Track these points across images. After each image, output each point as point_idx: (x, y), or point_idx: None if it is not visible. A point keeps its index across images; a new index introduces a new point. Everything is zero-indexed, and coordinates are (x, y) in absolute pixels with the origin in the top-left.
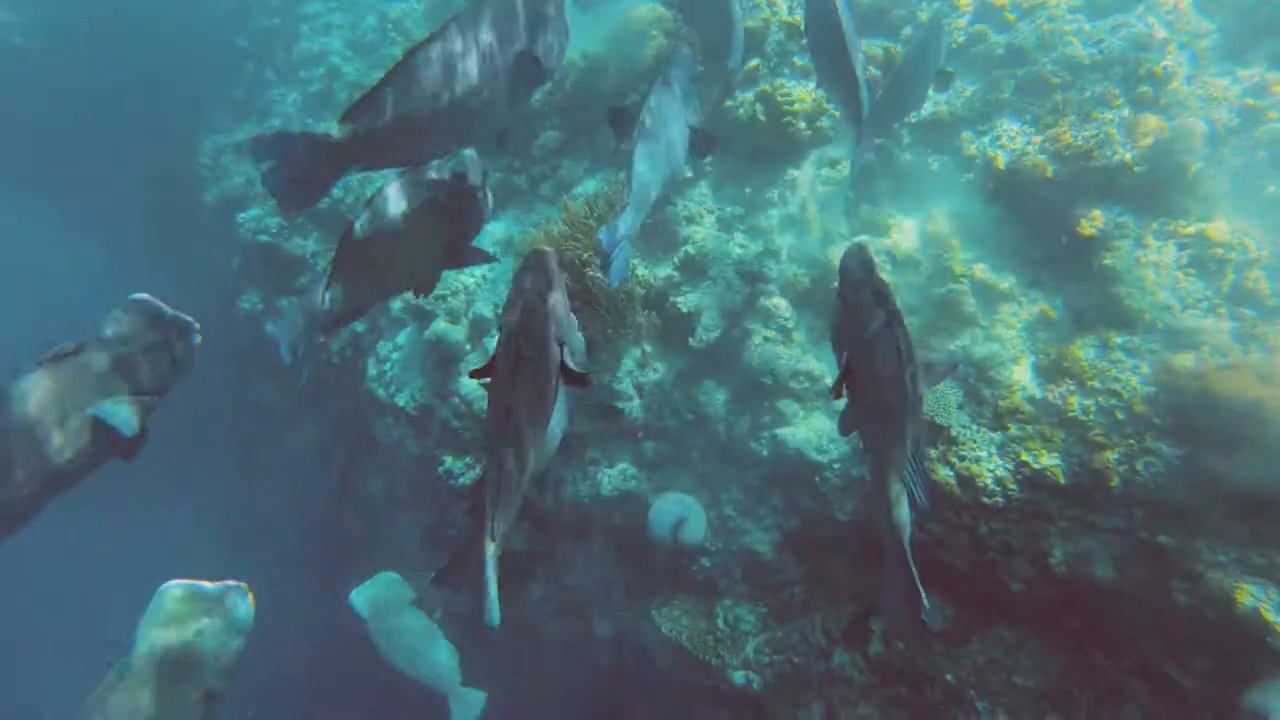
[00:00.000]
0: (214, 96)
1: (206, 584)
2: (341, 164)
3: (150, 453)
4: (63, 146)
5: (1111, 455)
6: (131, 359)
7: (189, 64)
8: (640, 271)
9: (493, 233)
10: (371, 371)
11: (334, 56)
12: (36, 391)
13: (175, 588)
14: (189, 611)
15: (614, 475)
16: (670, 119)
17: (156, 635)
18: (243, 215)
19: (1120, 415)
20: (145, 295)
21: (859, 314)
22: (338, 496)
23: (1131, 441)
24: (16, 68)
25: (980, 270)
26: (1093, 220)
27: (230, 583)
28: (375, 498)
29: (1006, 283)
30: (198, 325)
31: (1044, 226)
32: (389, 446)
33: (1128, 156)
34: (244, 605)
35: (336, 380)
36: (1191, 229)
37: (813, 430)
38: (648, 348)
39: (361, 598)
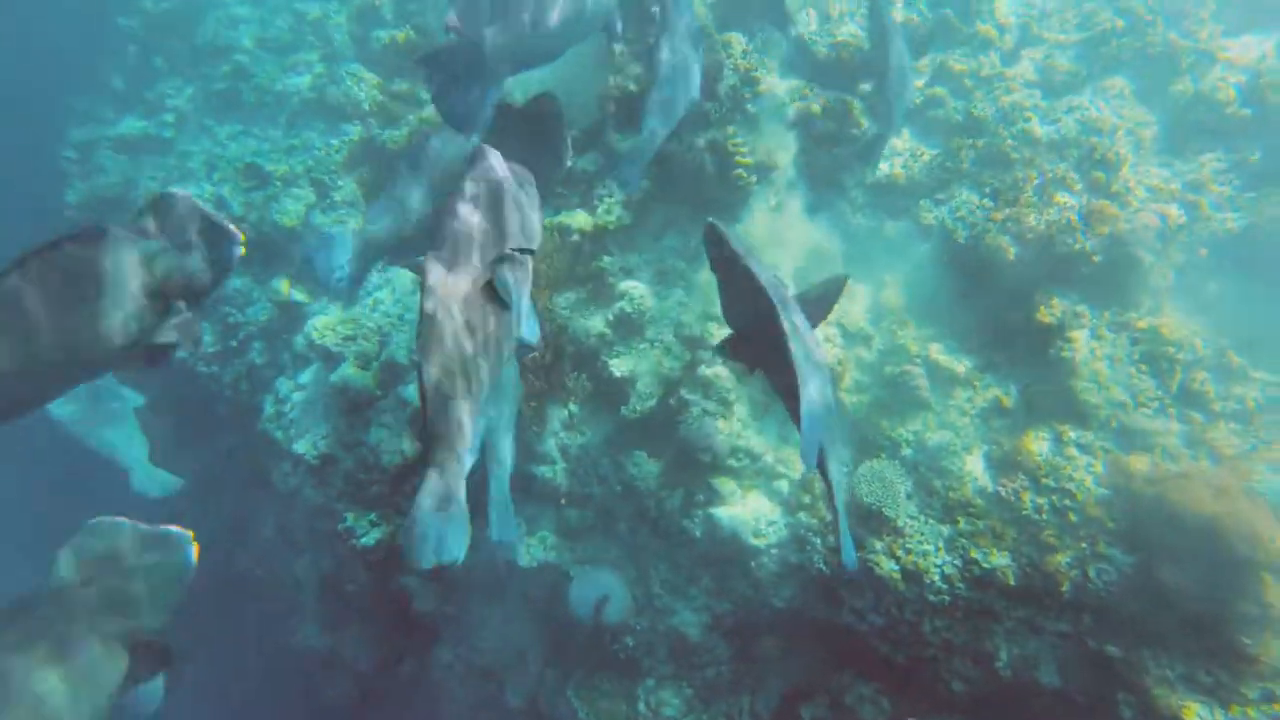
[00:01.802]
0: (86, 80)
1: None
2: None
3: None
4: None
5: (1063, 559)
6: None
7: (56, 38)
8: (571, 325)
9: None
10: (269, 410)
11: (240, 54)
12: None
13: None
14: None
15: (534, 544)
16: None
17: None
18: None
19: (1073, 517)
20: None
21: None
22: (228, 532)
23: (1084, 545)
24: None
25: (936, 351)
26: (1052, 308)
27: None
28: (268, 539)
29: (962, 366)
30: (242, 238)
31: (1000, 306)
32: (285, 493)
33: (1087, 246)
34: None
35: (229, 413)
36: (1144, 323)
37: (750, 512)
38: (574, 409)
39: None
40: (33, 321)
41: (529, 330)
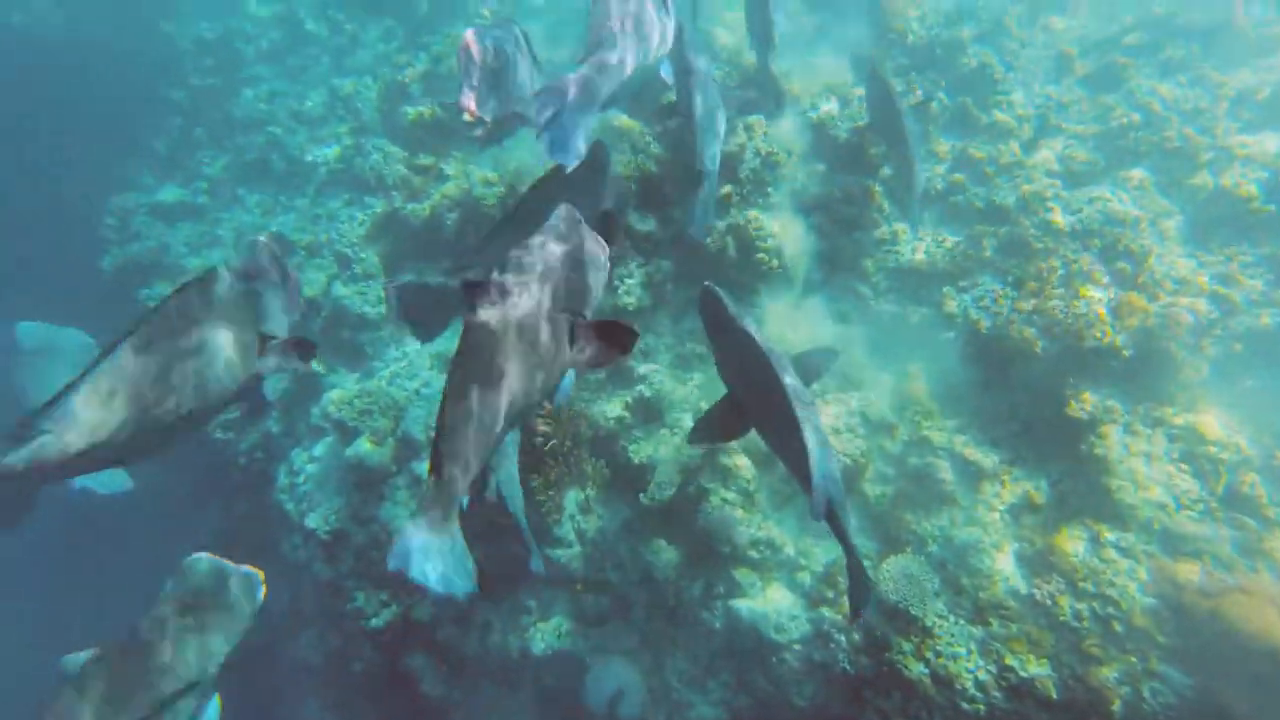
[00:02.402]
0: (130, 148)
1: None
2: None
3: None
4: None
5: (1110, 672)
6: (255, 294)
7: (109, 107)
8: (589, 409)
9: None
10: (282, 481)
11: (275, 127)
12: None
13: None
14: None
15: (548, 630)
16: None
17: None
18: (147, 291)
19: (1118, 626)
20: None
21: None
22: None
23: (1133, 659)
24: None
25: (961, 443)
26: (1082, 403)
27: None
28: (274, 610)
29: (989, 459)
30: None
31: (1028, 397)
32: (295, 564)
33: (1117, 340)
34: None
35: (242, 481)
36: (1180, 419)
37: (771, 605)
38: (591, 492)
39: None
40: (157, 378)
41: (564, 390)
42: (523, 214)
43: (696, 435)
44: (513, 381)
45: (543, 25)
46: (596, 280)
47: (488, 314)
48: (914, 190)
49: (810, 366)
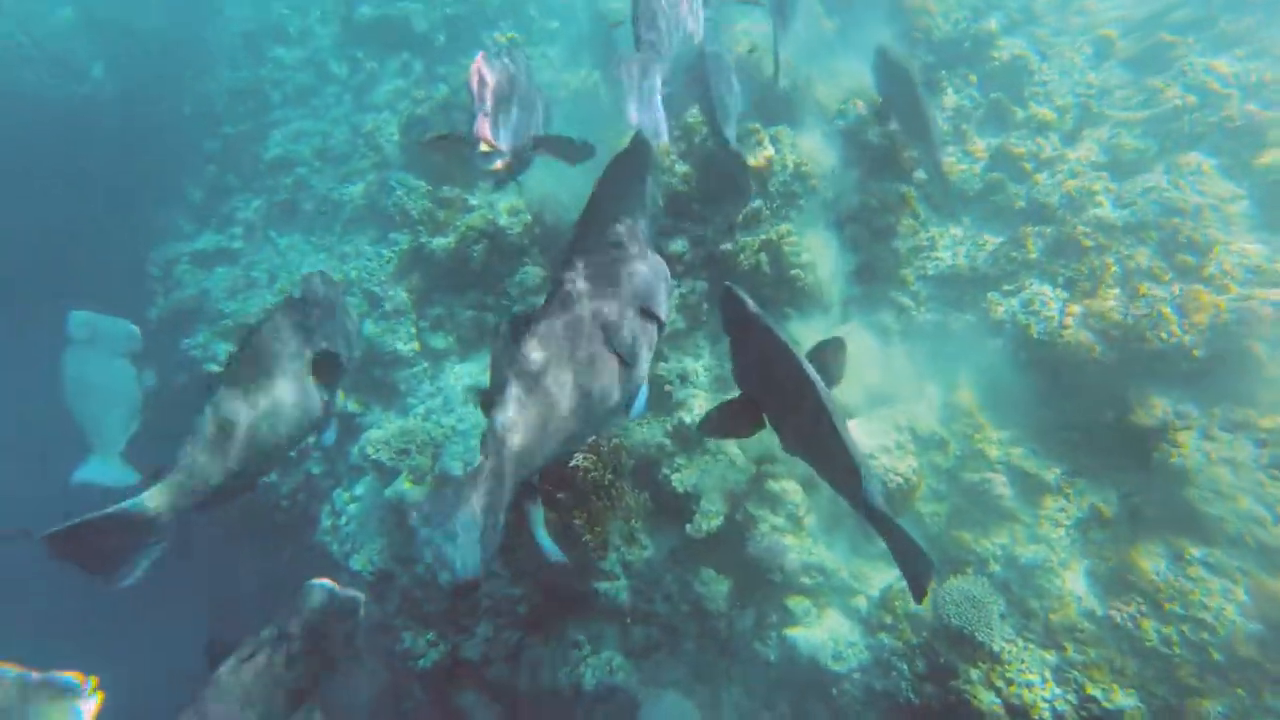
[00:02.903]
0: (171, 198)
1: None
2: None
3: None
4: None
5: (1212, 706)
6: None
7: (152, 163)
8: (630, 439)
9: (462, 377)
10: (325, 523)
11: (302, 167)
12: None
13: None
14: None
15: (598, 664)
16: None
17: None
18: (188, 341)
19: (1217, 655)
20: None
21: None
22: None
23: (1241, 692)
24: None
25: (1018, 455)
26: (1150, 408)
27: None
28: None
29: (1050, 472)
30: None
31: (1087, 405)
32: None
33: (1186, 340)
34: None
35: (285, 522)
36: (1269, 421)
37: (828, 633)
38: (636, 524)
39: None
40: (259, 414)
41: (638, 408)
42: (600, 215)
43: (708, 426)
44: (582, 395)
45: (559, 49)
46: (664, 295)
47: (559, 327)
48: (939, 164)
49: (825, 365)
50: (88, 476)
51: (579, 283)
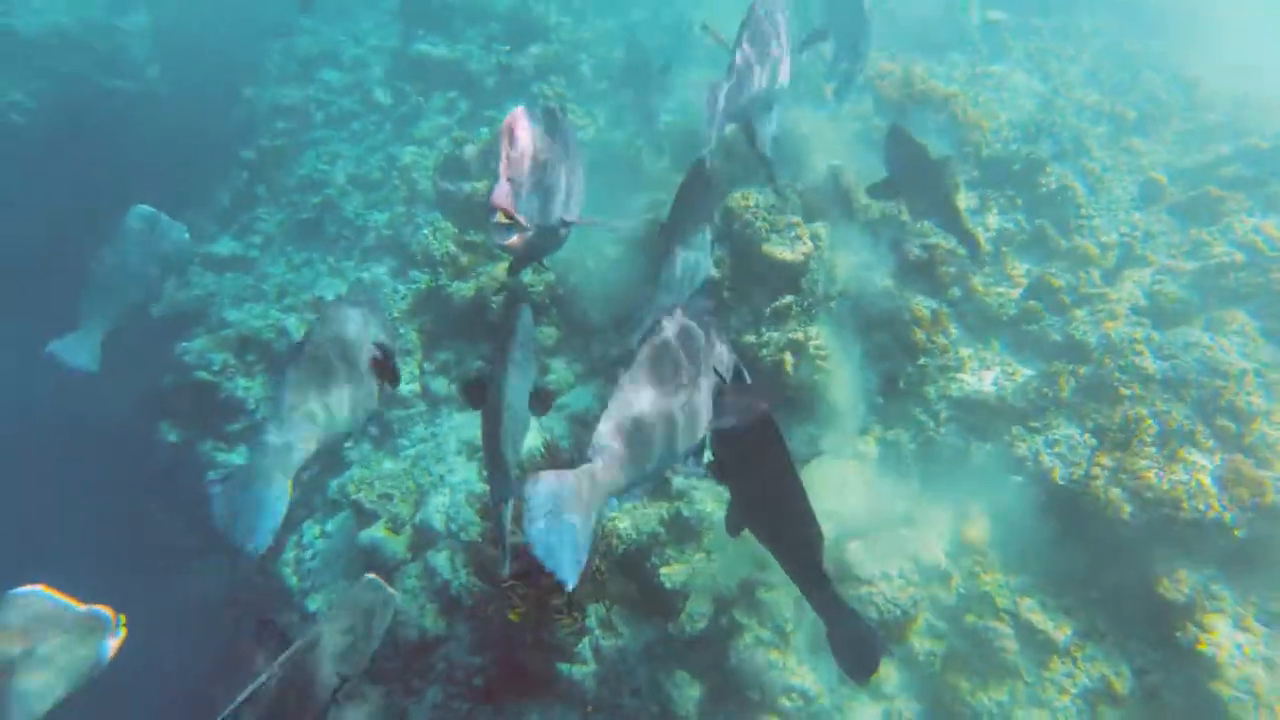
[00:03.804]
0: (199, 199)
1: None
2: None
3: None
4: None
5: None
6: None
7: (191, 165)
8: (620, 523)
9: (459, 428)
10: (289, 553)
11: (331, 189)
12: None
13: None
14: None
15: None
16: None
17: None
18: (185, 345)
19: None
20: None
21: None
22: (216, 668)
23: None
24: (11, 145)
25: (1027, 607)
26: (1177, 582)
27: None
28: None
29: (1060, 632)
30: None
31: (1107, 563)
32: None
33: (1226, 516)
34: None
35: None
36: None
37: None
38: (615, 609)
39: None
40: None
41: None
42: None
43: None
44: (671, 431)
45: (605, 109)
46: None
47: (642, 374)
48: (965, 229)
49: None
50: (59, 351)
51: (676, 325)
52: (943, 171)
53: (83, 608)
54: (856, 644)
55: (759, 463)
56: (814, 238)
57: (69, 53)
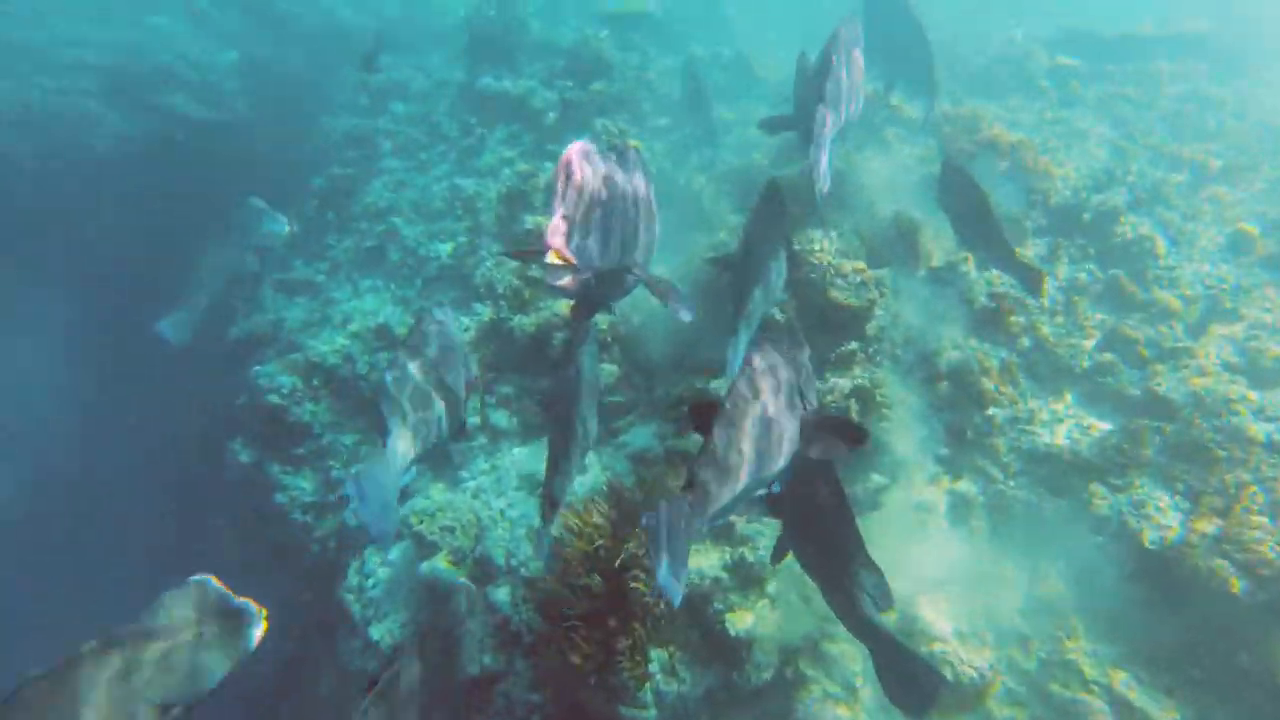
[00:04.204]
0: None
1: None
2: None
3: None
4: (109, 249)
5: None
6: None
7: (267, 192)
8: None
9: (519, 462)
10: (352, 580)
11: (396, 217)
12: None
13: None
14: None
15: None
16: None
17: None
18: (258, 368)
19: None
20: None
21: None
22: (277, 689)
23: None
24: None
25: (1121, 681)
26: None
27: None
28: (324, 699)
29: (1167, 715)
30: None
31: (1213, 639)
32: (352, 669)
33: None
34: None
35: (311, 566)
36: None
37: None
38: (677, 653)
39: None
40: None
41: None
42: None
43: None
44: (751, 464)
45: (665, 144)
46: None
47: (740, 404)
48: (1016, 262)
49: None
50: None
51: (770, 354)
52: (986, 205)
53: (238, 599)
54: (909, 679)
55: (811, 493)
56: (879, 284)
57: (170, 88)
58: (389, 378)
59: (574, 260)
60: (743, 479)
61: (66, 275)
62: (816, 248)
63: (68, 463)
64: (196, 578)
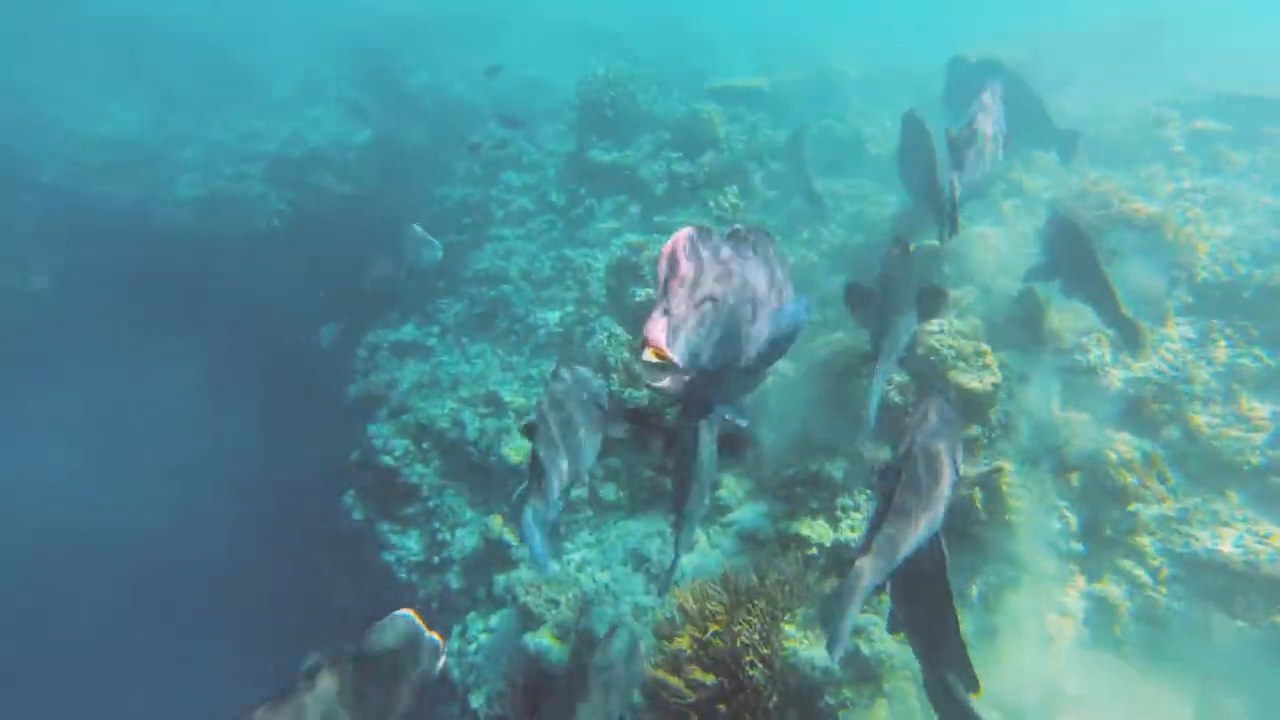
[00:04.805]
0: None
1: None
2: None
3: None
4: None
5: None
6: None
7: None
8: (795, 656)
9: (625, 533)
10: (453, 643)
11: (506, 285)
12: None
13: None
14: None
15: None
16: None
17: None
18: (374, 427)
19: None
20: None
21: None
22: None
23: None
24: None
25: None
26: None
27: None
28: None
29: None
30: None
31: None
32: None
33: None
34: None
35: None
36: None
37: None
38: None
39: None
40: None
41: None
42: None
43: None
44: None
45: (777, 220)
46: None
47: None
48: (1124, 318)
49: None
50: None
51: (927, 443)
52: (1095, 257)
53: (430, 633)
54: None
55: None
56: (1002, 366)
57: (317, 168)
58: (546, 416)
59: (675, 359)
60: (921, 533)
61: (223, 335)
62: (936, 327)
63: (216, 502)
64: (400, 612)
